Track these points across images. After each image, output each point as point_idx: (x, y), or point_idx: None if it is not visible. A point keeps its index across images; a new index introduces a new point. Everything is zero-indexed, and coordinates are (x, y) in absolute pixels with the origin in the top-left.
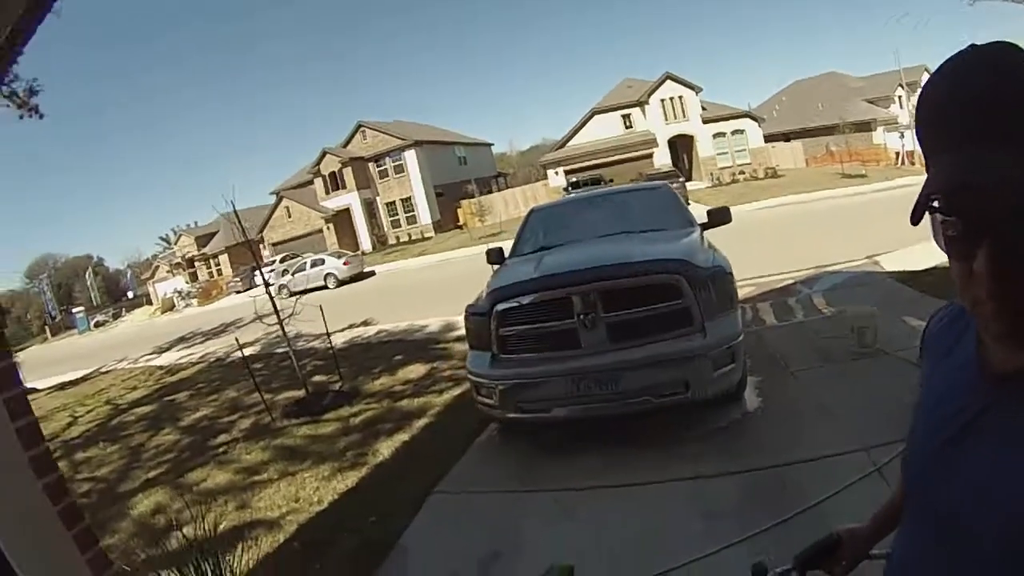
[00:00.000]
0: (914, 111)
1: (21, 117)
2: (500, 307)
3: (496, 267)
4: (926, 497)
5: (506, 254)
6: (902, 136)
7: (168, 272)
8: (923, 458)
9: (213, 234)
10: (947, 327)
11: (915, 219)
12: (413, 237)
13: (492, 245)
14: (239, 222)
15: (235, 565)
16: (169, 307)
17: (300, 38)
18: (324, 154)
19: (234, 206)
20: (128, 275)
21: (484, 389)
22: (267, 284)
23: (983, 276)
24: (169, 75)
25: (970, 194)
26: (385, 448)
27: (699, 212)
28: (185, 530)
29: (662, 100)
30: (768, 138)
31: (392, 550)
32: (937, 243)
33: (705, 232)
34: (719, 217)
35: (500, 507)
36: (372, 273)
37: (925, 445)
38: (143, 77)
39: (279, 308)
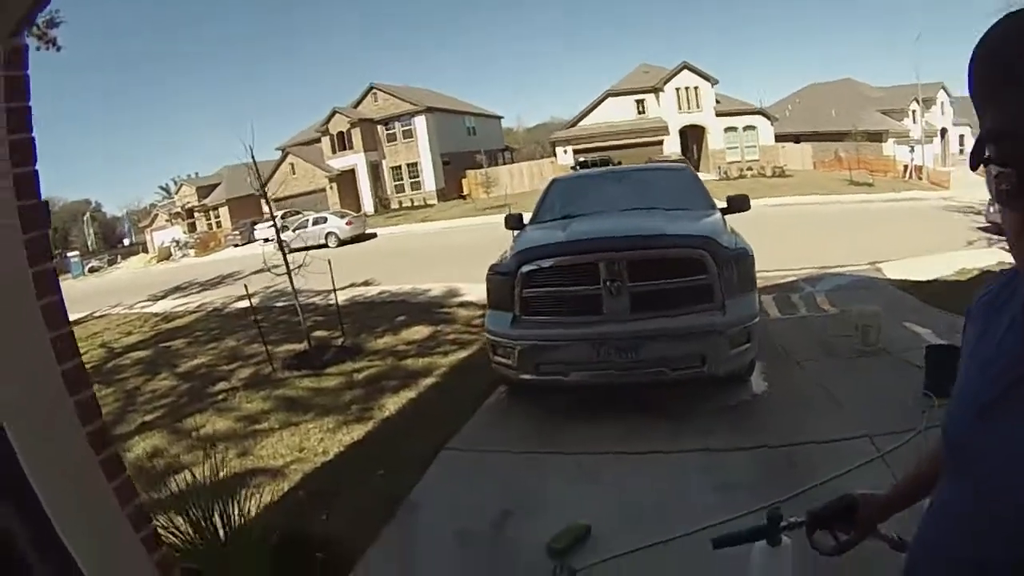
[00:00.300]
0: (969, 68)
1: (38, 48)
2: (526, 268)
3: (516, 232)
4: (965, 456)
5: (525, 221)
6: (912, 150)
7: (167, 221)
8: (964, 419)
9: (215, 186)
10: (994, 295)
11: (973, 165)
12: (416, 203)
13: (501, 215)
14: (255, 167)
15: (240, 510)
16: (166, 256)
17: None
18: (334, 113)
19: (251, 150)
20: (126, 223)
21: (502, 349)
22: (280, 234)
23: None
24: (182, 16)
25: (1020, 141)
26: (391, 404)
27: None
28: (186, 473)
29: (677, 89)
30: (779, 137)
31: (401, 505)
32: (990, 193)
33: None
34: (738, 204)
35: (513, 466)
36: (374, 235)
37: (967, 407)
38: (156, 16)
39: (273, 271)
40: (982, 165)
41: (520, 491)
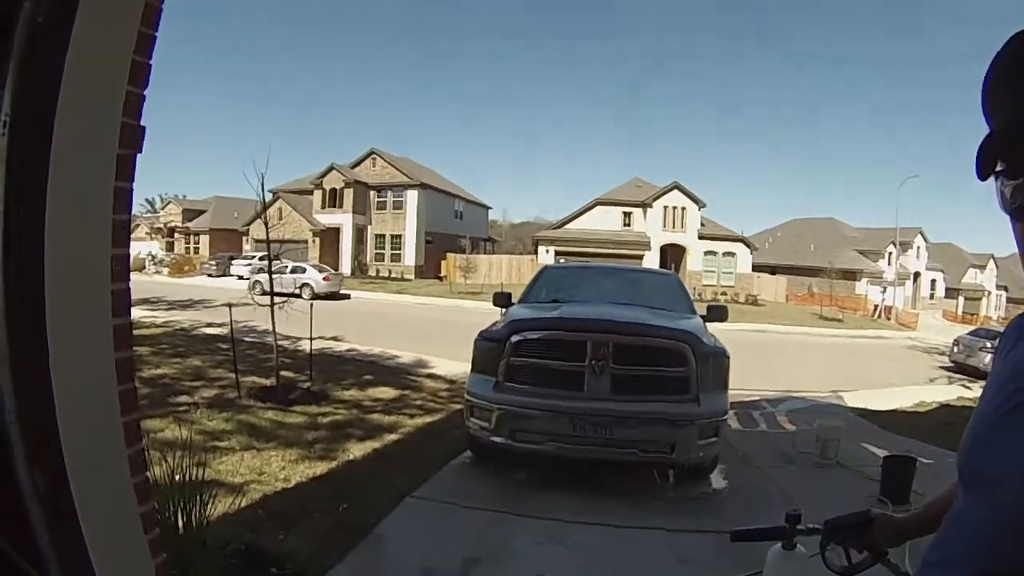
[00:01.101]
0: (983, 86)
1: None
2: (516, 337)
3: (503, 310)
4: (971, 463)
5: (513, 300)
6: (884, 291)
7: (147, 234)
8: (977, 430)
9: (201, 212)
10: (1016, 327)
11: (982, 174)
12: (393, 274)
13: (476, 300)
14: (263, 198)
15: (200, 512)
16: (139, 267)
17: (331, 49)
18: (331, 169)
19: (263, 179)
20: None
21: (480, 412)
22: (271, 275)
23: None
24: (195, 39)
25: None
26: (356, 450)
27: None
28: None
29: (665, 207)
30: (756, 267)
31: (366, 537)
32: (1003, 209)
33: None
34: (717, 314)
35: (479, 521)
36: (347, 296)
37: (980, 421)
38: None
39: (259, 301)
40: (992, 178)
41: (486, 543)
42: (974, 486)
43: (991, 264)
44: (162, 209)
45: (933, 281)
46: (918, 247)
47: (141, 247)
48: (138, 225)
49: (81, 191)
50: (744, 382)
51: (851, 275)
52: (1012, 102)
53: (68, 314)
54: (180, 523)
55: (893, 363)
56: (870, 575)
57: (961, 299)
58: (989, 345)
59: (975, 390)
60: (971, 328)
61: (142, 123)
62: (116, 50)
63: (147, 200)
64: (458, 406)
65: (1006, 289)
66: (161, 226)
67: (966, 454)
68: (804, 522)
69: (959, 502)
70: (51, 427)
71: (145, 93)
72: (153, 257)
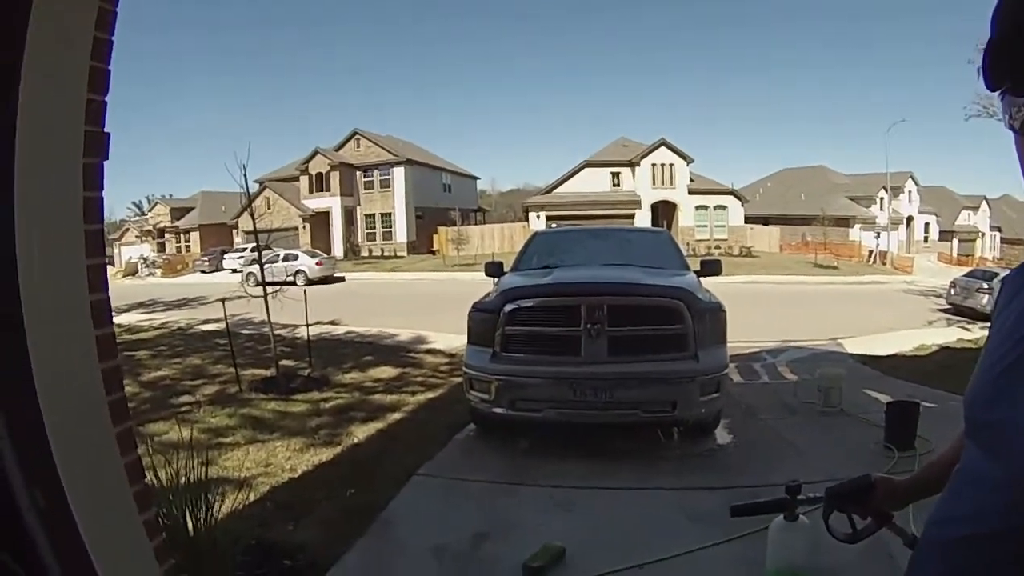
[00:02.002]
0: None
1: None
2: (510, 306)
3: (496, 279)
4: (980, 415)
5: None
6: (877, 236)
7: (137, 238)
8: (982, 383)
9: (189, 209)
10: (1018, 273)
11: (991, 84)
12: (386, 253)
13: (470, 272)
14: (247, 190)
15: (208, 512)
16: (132, 272)
17: (310, 29)
18: (315, 153)
19: (245, 171)
20: None
21: (480, 384)
22: (262, 265)
23: None
24: (172, 38)
25: None
26: (360, 432)
27: None
28: (148, 475)
29: (653, 165)
30: (748, 219)
31: (374, 521)
32: (1009, 127)
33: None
34: (711, 268)
35: (486, 494)
36: (341, 279)
37: (987, 373)
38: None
39: (252, 293)
40: (998, 90)
41: (494, 516)
42: (984, 439)
43: (984, 205)
44: (150, 211)
45: (927, 224)
46: (909, 191)
47: (133, 251)
48: (127, 229)
49: (50, 204)
50: (743, 334)
51: (844, 222)
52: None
53: (49, 329)
54: (189, 525)
55: (890, 308)
56: (877, 543)
57: (955, 241)
58: (986, 286)
59: (974, 331)
60: (967, 269)
61: (106, 129)
62: (73, 57)
63: (134, 203)
64: (459, 380)
65: (999, 230)
66: (151, 228)
67: (973, 407)
68: (809, 471)
69: (968, 456)
70: (43, 443)
71: (107, 99)
72: (145, 260)
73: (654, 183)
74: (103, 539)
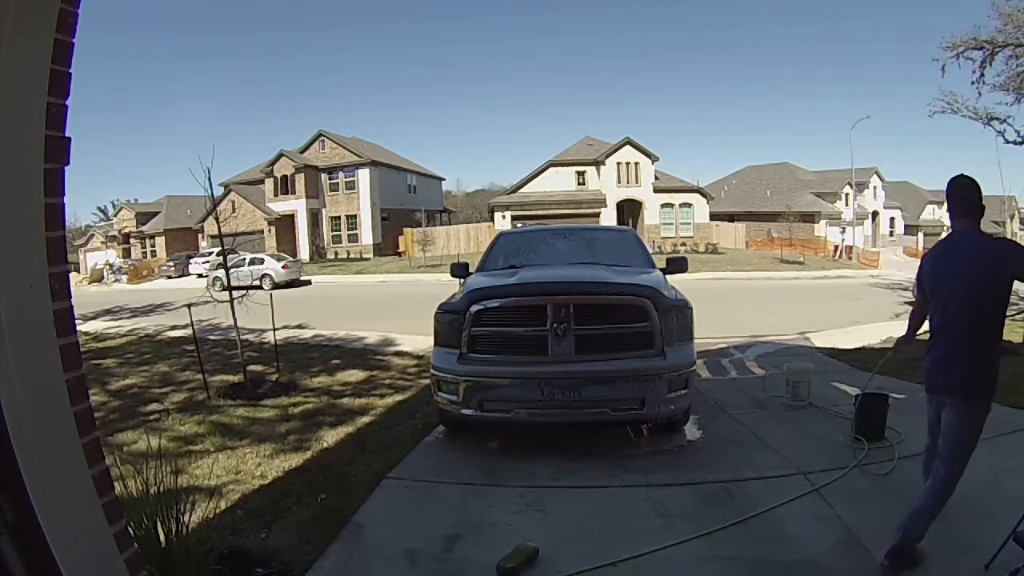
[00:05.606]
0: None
1: None
2: (475, 307)
3: (462, 280)
4: (933, 279)
5: (470, 270)
6: (843, 231)
7: (103, 243)
8: (931, 274)
9: (154, 214)
10: (945, 244)
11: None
12: (352, 255)
13: (436, 274)
14: (212, 193)
15: (179, 522)
16: (98, 278)
17: (275, 32)
18: (280, 156)
19: (209, 174)
20: None
21: (447, 385)
22: (228, 270)
23: None
24: (140, 42)
25: None
26: (329, 437)
27: None
28: (119, 486)
29: (618, 163)
30: (714, 216)
31: (347, 526)
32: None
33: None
34: (677, 266)
35: (457, 496)
36: (308, 282)
37: (929, 273)
38: (111, 39)
39: (218, 298)
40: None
41: (466, 518)
42: (938, 287)
43: None
44: (115, 216)
45: (892, 219)
46: (875, 187)
47: (98, 257)
48: (93, 235)
49: (10, 211)
50: (710, 331)
51: (809, 217)
52: None
53: (11, 339)
54: (161, 535)
55: (857, 301)
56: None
57: (921, 235)
58: None
59: None
60: None
61: (67, 134)
62: (33, 60)
63: (99, 208)
64: (427, 381)
65: None
66: (116, 233)
67: (928, 278)
68: (779, 464)
69: (931, 302)
70: (8, 455)
71: (67, 103)
72: (111, 266)
73: (619, 182)
74: (73, 552)
